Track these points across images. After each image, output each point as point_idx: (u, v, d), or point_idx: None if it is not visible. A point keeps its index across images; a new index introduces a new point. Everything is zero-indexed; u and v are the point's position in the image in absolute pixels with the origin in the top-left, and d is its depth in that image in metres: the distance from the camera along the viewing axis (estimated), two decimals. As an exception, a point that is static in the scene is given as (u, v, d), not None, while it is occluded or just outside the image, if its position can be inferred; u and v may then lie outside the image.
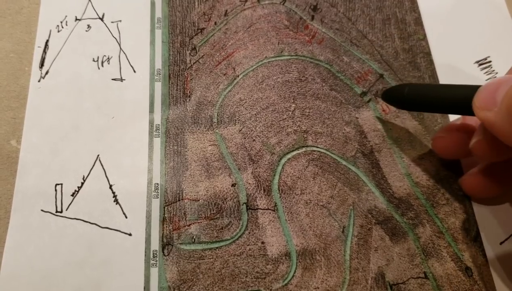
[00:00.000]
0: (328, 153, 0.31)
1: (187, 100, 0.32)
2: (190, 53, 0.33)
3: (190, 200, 0.29)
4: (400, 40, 0.34)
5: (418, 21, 0.35)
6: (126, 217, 0.28)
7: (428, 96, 0.27)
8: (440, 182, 0.30)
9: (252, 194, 0.29)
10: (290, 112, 0.32)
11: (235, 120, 0.31)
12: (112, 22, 0.34)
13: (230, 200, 0.29)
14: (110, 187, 0.29)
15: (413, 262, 0.28)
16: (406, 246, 0.29)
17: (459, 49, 0.34)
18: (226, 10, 0.35)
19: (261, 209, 0.29)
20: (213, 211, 0.29)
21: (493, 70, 0.33)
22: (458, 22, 0.35)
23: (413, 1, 0.36)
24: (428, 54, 0.34)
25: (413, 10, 0.35)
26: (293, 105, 0.32)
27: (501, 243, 0.29)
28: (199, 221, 0.29)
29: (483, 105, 0.23)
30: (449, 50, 0.34)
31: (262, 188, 0.30)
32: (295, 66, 0.33)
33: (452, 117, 0.32)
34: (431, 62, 0.34)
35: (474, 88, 0.23)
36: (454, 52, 0.34)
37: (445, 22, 0.35)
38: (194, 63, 0.33)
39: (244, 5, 0.35)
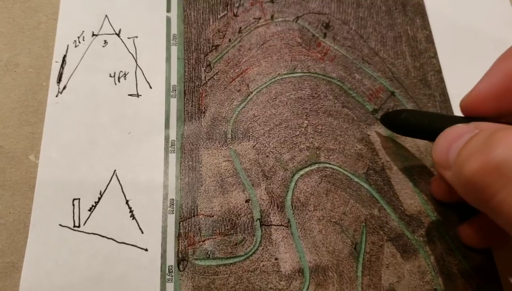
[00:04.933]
0: (340, 169, 0.31)
1: (202, 116, 0.32)
2: (205, 69, 0.34)
3: (205, 215, 0.30)
4: (412, 58, 0.35)
5: (429, 39, 0.36)
6: (142, 232, 0.29)
7: (422, 124, 0.27)
8: (451, 200, 0.31)
9: (265, 210, 0.30)
10: (303, 129, 0.32)
11: (249, 136, 0.32)
12: (128, 38, 0.34)
13: (244, 216, 0.30)
14: (127, 202, 0.29)
15: (423, 279, 0.29)
16: (417, 263, 0.29)
17: (470, 67, 0.34)
18: (240, 28, 0.35)
19: (275, 225, 0.30)
20: (227, 226, 0.29)
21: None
22: (469, 40, 0.36)
23: (424, 18, 0.36)
24: (439, 72, 0.34)
25: (424, 28, 0.36)
26: (305, 121, 0.33)
27: None
28: (213, 237, 0.29)
29: (440, 163, 0.23)
30: (459, 68, 0.35)
31: (276, 204, 0.30)
32: (307, 83, 0.34)
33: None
34: (441, 80, 0.34)
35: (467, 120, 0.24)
36: (465, 70, 0.34)
37: (456, 40, 0.36)
38: (208, 79, 0.33)
39: (257, 23, 0.35)
